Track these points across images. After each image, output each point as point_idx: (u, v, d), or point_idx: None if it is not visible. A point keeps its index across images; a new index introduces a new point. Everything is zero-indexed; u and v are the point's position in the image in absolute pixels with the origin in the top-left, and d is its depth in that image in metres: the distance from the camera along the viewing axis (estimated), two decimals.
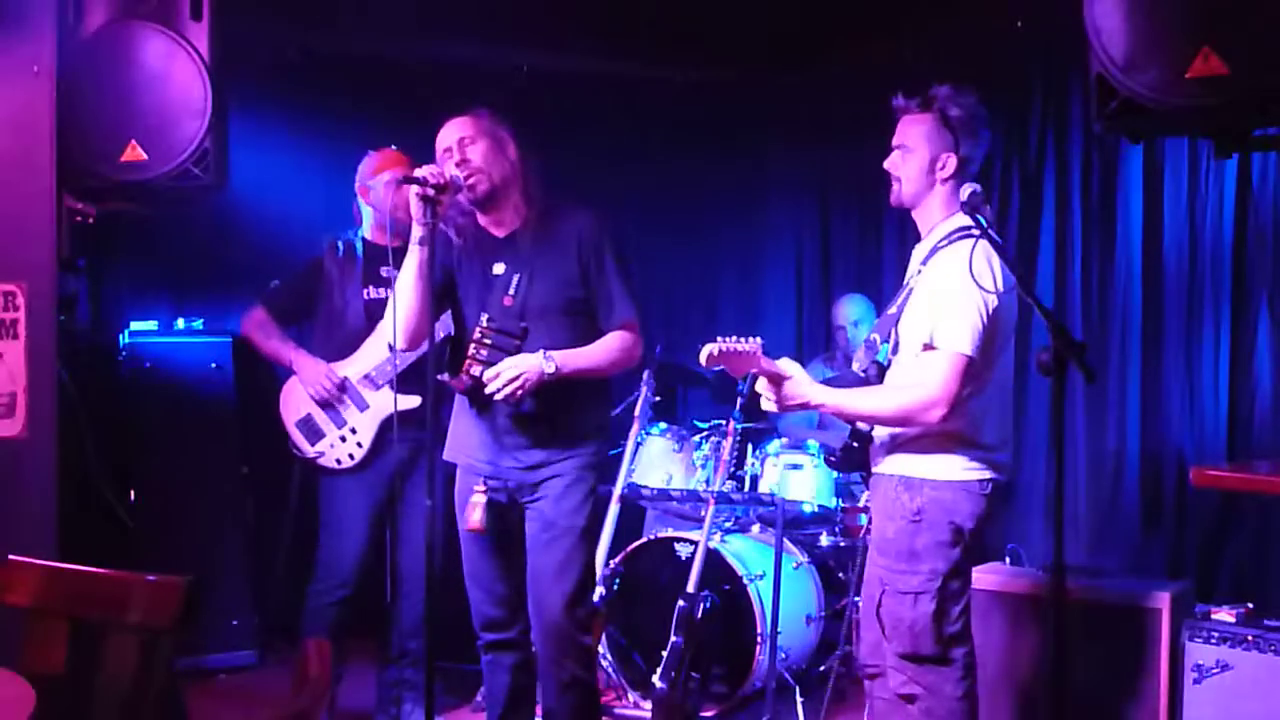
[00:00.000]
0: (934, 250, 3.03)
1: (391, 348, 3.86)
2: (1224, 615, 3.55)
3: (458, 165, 3.21)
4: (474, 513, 3.29)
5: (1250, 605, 3.60)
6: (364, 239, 4.14)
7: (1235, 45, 2.92)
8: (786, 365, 3.08)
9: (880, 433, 3.11)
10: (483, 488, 3.30)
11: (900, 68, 5.48)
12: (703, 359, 3.01)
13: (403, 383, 3.94)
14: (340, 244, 4.13)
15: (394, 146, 4.11)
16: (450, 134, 3.27)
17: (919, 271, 3.06)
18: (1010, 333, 3.05)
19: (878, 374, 3.09)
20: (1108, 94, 3.13)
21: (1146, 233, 4.77)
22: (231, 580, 4.75)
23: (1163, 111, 3.09)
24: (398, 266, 3.95)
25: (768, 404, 3.11)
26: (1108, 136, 4.50)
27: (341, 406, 4.02)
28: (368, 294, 4.05)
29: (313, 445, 4.02)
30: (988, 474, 2.99)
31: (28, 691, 1.97)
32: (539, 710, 3.46)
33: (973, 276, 2.84)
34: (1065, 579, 2.74)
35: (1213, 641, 3.50)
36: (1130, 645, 3.63)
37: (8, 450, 3.41)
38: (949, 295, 2.92)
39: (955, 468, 2.98)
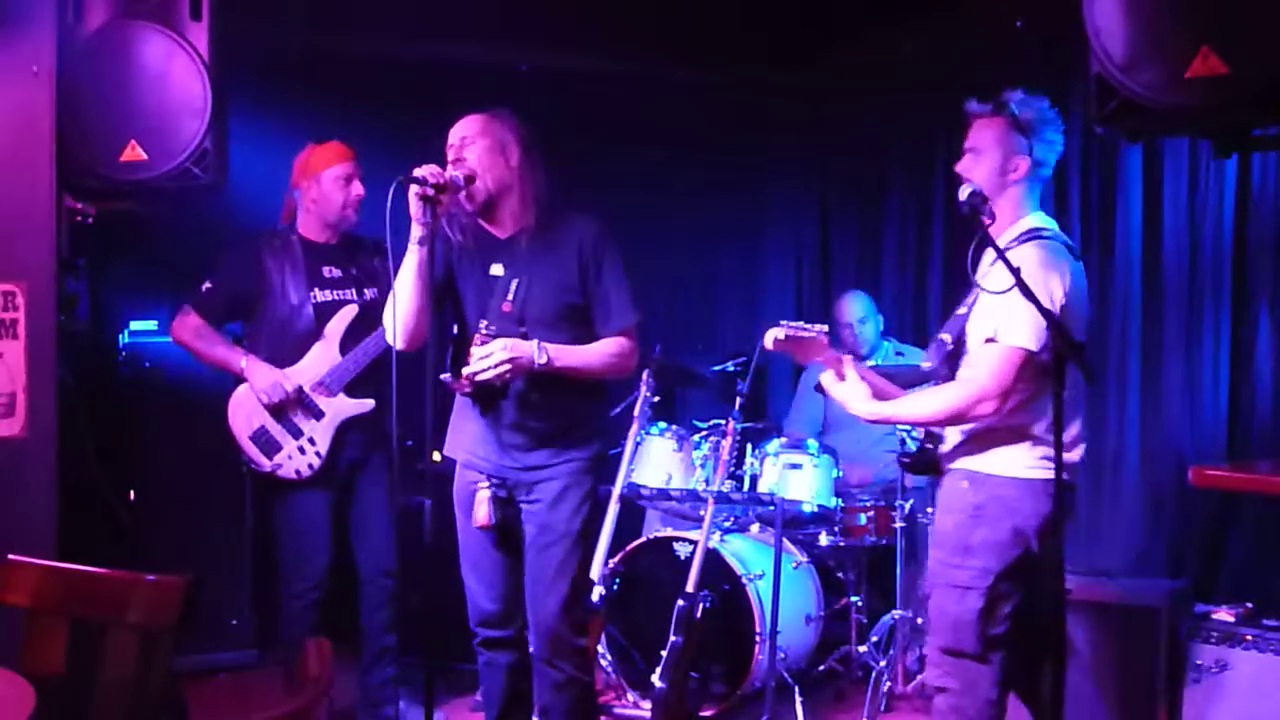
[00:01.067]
0: (1005, 250, 3.04)
1: (351, 348, 3.89)
2: (1224, 615, 3.56)
3: (452, 163, 3.20)
4: (481, 509, 3.29)
5: (1250, 605, 3.60)
6: (300, 236, 3.98)
7: (1235, 45, 2.92)
8: (849, 368, 3.11)
9: (950, 432, 3.12)
10: (486, 484, 3.30)
11: (900, 68, 5.49)
12: (768, 342, 3.05)
13: (358, 386, 3.92)
14: (276, 240, 3.97)
15: (337, 139, 4.00)
16: (455, 131, 3.27)
17: (987, 272, 3.07)
18: (1080, 333, 3.03)
19: (948, 374, 3.08)
20: (1108, 94, 3.13)
21: (1146, 233, 4.77)
22: (231, 580, 4.75)
23: (1162, 111, 3.09)
24: (340, 265, 3.93)
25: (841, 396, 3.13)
26: (1108, 136, 4.50)
27: (296, 416, 3.90)
28: (314, 296, 3.92)
29: (270, 458, 3.90)
30: (1053, 473, 2.99)
31: (28, 691, 1.98)
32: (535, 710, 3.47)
33: (1039, 275, 2.86)
34: (1065, 579, 2.74)
35: (1213, 641, 3.51)
36: (1130, 645, 3.63)
37: (8, 450, 3.41)
38: (1011, 293, 2.92)
39: (1020, 464, 2.97)
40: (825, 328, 3.07)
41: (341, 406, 3.91)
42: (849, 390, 3.10)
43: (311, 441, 3.90)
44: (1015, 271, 2.75)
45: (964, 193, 2.86)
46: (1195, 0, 3.00)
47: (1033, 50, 5.00)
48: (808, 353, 3.10)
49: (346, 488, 3.99)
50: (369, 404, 3.87)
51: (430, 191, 3.07)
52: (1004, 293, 2.78)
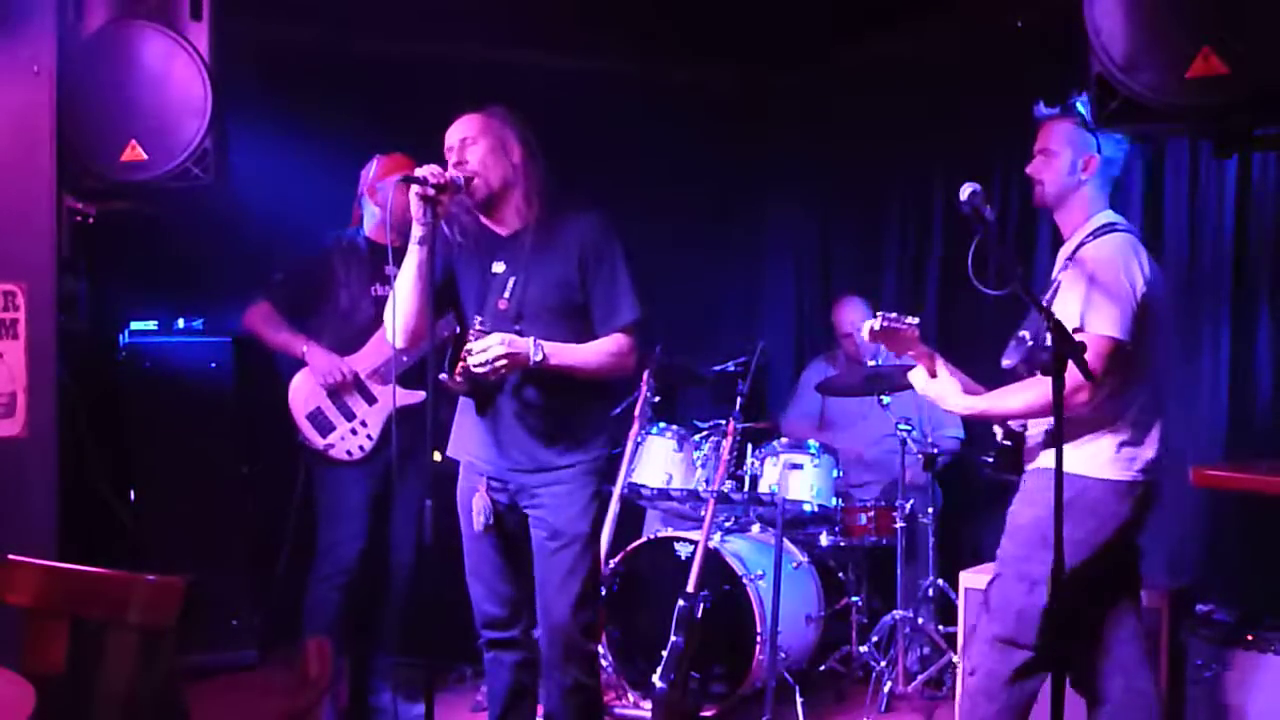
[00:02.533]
0: (1080, 245, 3.09)
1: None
2: (1224, 615, 3.56)
3: (455, 165, 3.20)
4: (478, 513, 3.29)
5: (1250, 605, 3.60)
6: (366, 238, 4.20)
7: (1235, 45, 2.92)
8: (941, 364, 3.17)
9: (1034, 431, 3.12)
10: (484, 487, 3.30)
11: (900, 67, 5.49)
12: (865, 333, 3.13)
13: (409, 379, 4.04)
14: (345, 240, 4.19)
15: (402, 151, 4.13)
16: (453, 133, 3.26)
17: (1065, 266, 3.10)
18: (1161, 329, 3.07)
19: (1029, 371, 3.09)
20: (1108, 94, 3.13)
21: (1147, 232, 4.76)
22: (232, 579, 4.75)
23: (1163, 111, 3.09)
24: (398, 264, 3.96)
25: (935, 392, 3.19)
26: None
27: (351, 399, 4.11)
28: (375, 290, 4.11)
29: (324, 437, 4.10)
30: (1135, 474, 3.01)
31: (28, 691, 1.98)
32: (540, 710, 3.46)
33: (1123, 266, 2.93)
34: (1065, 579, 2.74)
35: (1213, 641, 3.51)
36: None
37: (8, 450, 3.41)
38: (1098, 283, 2.96)
39: (1103, 461, 3.00)
40: (918, 320, 3.11)
41: (394, 395, 3.97)
42: (942, 386, 3.16)
43: (364, 424, 4.11)
44: (1017, 273, 2.74)
45: (965, 192, 2.86)
46: (1195, 0, 3.00)
47: (1033, 50, 5.00)
48: (902, 345, 3.14)
49: (389, 480, 4.10)
50: (420, 395, 3.94)
51: (431, 191, 3.07)
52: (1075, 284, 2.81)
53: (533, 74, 5.46)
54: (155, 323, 4.77)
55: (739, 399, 4.42)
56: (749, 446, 4.72)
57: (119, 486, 4.62)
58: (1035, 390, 3.01)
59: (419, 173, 3.09)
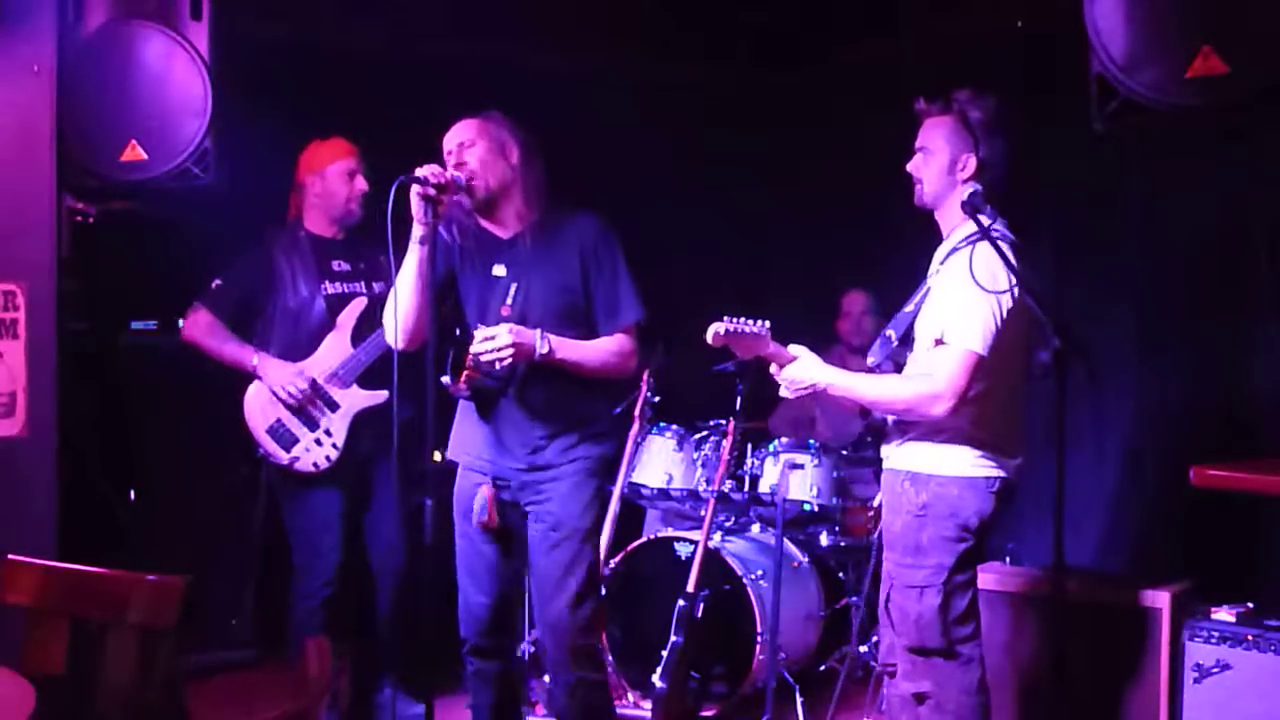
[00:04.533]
0: (953, 251, 3.05)
1: (363, 339, 3.89)
2: (1224, 615, 3.55)
3: (455, 168, 3.21)
4: (481, 505, 3.28)
5: (1250, 605, 3.60)
6: (307, 231, 4.01)
7: (1235, 45, 2.92)
8: (795, 349, 3.11)
9: (891, 429, 3.12)
10: (489, 484, 3.29)
11: (900, 67, 5.49)
12: (709, 337, 3.03)
13: (370, 378, 3.91)
14: (283, 237, 4.00)
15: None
16: (452, 137, 3.27)
17: (936, 271, 3.09)
18: (1023, 336, 3.04)
19: (893, 370, 3.13)
20: (1108, 94, 3.13)
21: (1146, 232, 4.77)
22: (231, 579, 4.75)
23: (1163, 111, 3.09)
24: (349, 259, 3.93)
25: (784, 391, 3.13)
26: (1107, 136, 4.51)
27: (312, 408, 3.89)
28: (326, 289, 3.94)
29: (288, 452, 3.88)
30: (997, 471, 3.00)
31: (28, 691, 1.98)
32: (539, 710, 3.46)
33: (990, 279, 2.88)
34: (1065, 579, 2.74)
35: (1213, 641, 3.51)
36: (1130, 645, 3.63)
37: (8, 450, 3.41)
38: (962, 294, 2.94)
39: (963, 463, 3.00)
40: (767, 323, 3.05)
41: (355, 398, 3.91)
42: (802, 363, 3.08)
43: (328, 433, 3.90)
44: (1019, 273, 2.74)
45: (964, 193, 2.87)
46: (1195, 0, 3.00)
47: (1033, 50, 5.00)
48: (749, 348, 3.08)
49: (361, 486, 3.98)
50: (382, 395, 3.86)
51: (431, 191, 3.07)
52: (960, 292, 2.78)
53: (532, 74, 5.45)
54: (155, 323, 4.77)
55: (739, 399, 4.42)
56: (749, 446, 4.72)
57: (119, 486, 4.62)
58: (904, 387, 3.01)
59: (419, 172, 3.09)
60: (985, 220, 2.91)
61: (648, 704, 4.19)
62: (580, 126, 5.20)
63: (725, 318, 3.03)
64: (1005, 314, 2.93)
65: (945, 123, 3.09)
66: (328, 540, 3.94)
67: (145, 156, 3.65)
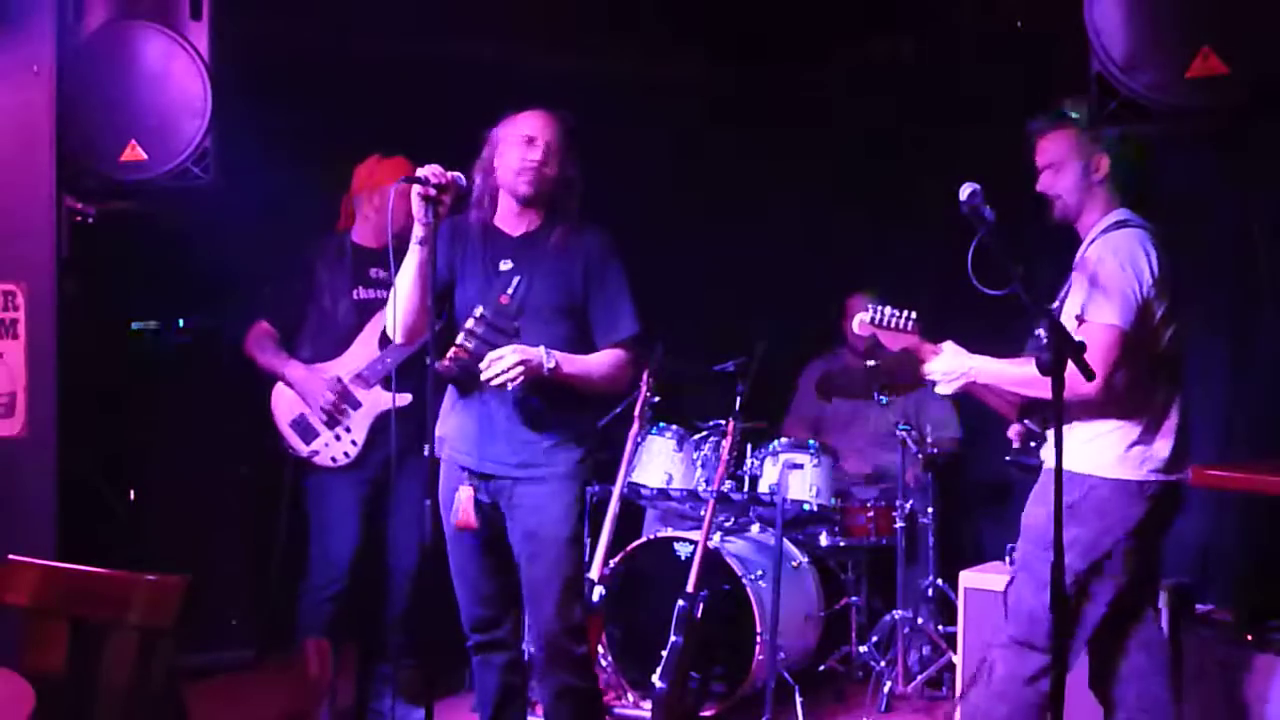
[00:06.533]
0: (1090, 242, 3.09)
1: (389, 343, 3.89)
2: (1224, 615, 3.56)
3: (536, 157, 3.25)
4: (461, 508, 3.27)
5: (1250, 605, 3.60)
6: (352, 241, 4.14)
7: (1235, 45, 2.92)
8: (945, 345, 3.14)
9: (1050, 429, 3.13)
10: (468, 483, 3.28)
11: (900, 67, 5.49)
12: (855, 326, 3.11)
13: (397, 382, 3.92)
14: (328, 245, 4.13)
15: (402, 154, 4.08)
16: (538, 125, 3.33)
17: (1080, 261, 3.10)
18: (1169, 322, 3.07)
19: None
20: (1108, 94, 3.13)
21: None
22: (231, 579, 4.75)
23: (1163, 111, 3.09)
24: (387, 268, 3.95)
25: (943, 388, 3.14)
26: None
27: (336, 407, 4.02)
28: (357, 294, 4.07)
29: (308, 444, 4.03)
30: (1147, 474, 3.00)
31: (28, 691, 1.98)
32: (539, 709, 3.46)
33: (1127, 258, 2.93)
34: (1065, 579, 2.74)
35: (1213, 642, 3.51)
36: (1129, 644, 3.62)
37: (8, 450, 3.41)
38: (1100, 274, 2.96)
39: (1110, 460, 2.99)
40: (914, 314, 3.09)
41: (378, 399, 3.98)
42: (949, 355, 3.11)
43: (348, 430, 4.02)
44: (1018, 271, 2.74)
45: (964, 192, 2.86)
46: (1195, 0, 3.00)
47: (1033, 50, 5.00)
48: (896, 340, 3.11)
49: (381, 485, 4.03)
50: (406, 398, 3.89)
51: (432, 191, 3.07)
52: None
53: (531, 74, 5.45)
54: (155, 323, 4.77)
55: (739, 399, 4.42)
56: (749, 446, 4.72)
57: (119, 486, 4.62)
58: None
59: (420, 173, 3.10)
60: (988, 217, 2.90)
61: (647, 704, 4.19)
62: (580, 126, 5.21)
63: (870, 306, 3.05)
64: (1144, 294, 2.94)
65: (1064, 134, 3.15)
66: (343, 534, 4.02)
67: (145, 156, 3.65)
